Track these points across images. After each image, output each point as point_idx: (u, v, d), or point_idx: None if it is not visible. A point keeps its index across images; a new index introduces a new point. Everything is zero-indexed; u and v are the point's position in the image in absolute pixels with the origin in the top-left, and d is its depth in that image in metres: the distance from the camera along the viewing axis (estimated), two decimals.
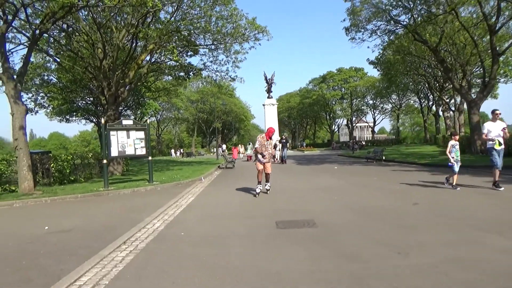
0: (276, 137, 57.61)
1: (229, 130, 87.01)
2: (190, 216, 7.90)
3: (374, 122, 70.74)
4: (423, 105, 54.13)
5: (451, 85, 39.51)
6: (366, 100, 68.09)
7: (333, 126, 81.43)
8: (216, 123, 51.04)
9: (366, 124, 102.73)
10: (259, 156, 10.26)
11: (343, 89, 70.73)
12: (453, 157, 10.44)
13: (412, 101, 62.72)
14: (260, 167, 10.35)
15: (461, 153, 24.61)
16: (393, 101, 63.52)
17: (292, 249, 5.13)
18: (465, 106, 34.67)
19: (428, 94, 49.36)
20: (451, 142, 10.56)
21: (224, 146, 48.09)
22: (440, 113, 46.64)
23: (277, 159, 28.16)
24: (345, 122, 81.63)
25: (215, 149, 62.75)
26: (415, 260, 4.47)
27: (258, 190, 10.29)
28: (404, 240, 5.34)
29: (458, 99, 37.10)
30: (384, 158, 24.39)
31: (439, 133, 47.22)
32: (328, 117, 79.53)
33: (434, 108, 50.38)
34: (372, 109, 69.05)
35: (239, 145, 38.43)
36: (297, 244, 5.36)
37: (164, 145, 78.81)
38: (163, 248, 5.51)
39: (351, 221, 6.63)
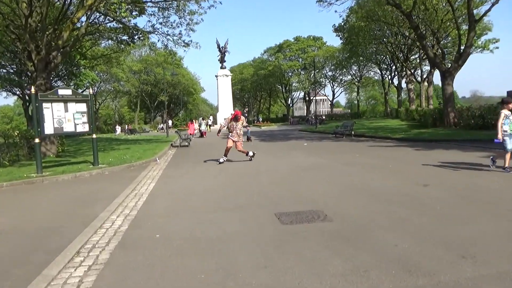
0: (229, 112, 56.65)
1: (175, 104, 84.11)
2: (159, 208, 6.60)
3: (333, 95, 71.34)
4: (384, 77, 54.93)
5: (421, 55, 40.32)
6: (325, 72, 68.05)
7: (289, 100, 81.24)
8: (162, 96, 48.50)
9: (324, 97, 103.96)
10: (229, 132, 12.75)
11: (300, 60, 70.18)
12: (505, 131, 8.45)
13: (372, 73, 63.62)
14: (230, 143, 12.68)
15: (433, 126, 25.56)
16: (353, 72, 64.04)
17: (319, 255, 4.07)
18: (435, 76, 35.38)
19: (391, 65, 49.97)
20: (505, 112, 8.52)
21: (170, 122, 46.04)
22: (404, 85, 47.57)
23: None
24: (301, 95, 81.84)
25: (161, 125, 60.25)
26: (491, 268, 3.58)
27: (222, 160, 12.63)
28: (455, 235, 4.47)
29: (426, 69, 37.96)
30: (353, 133, 24.06)
31: (400, 106, 48.16)
32: (284, 90, 79.06)
33: (396, 80, 51.34)
34: (331, 81, 69.35)
35: (197, 119, 36.74)
36: (321, 247, 4.31)
37: (101, 121, 74.57)
38: (136, 260, 4.22)
39: (371, 211, 5.69)
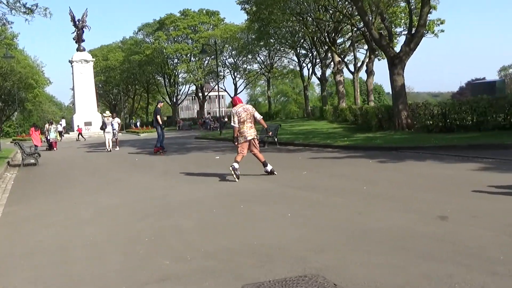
0: (90, 112, 52.67)
1: (6, 103, 77.19)
2: None
3: (236, 89, 71.41)
4: (303, 66, 56.33)
5: (353, 37, 41.63)
6: (223, 58, 67.77)
7: (175, 97, 79.64)
8: None
9: (222, 93, 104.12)
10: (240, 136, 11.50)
11: (190, 41, 69.17)
12: None
13: (286, 61, 65.04)
14: (245, 150, 11.59)
15: (382, 129, 26.07)
16: (262, 59, 64.80)
17: None
18: (374, 65, 36.71)
19: (312, 50, 51.18)
20: None
21: None
22: (328, 76, 49.05)
23: (110, 148, 24.90)
24: (189, 90, 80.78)
25: None
26: None
27: (236, 167, 11.30)
28: None
29: (362, 56, 39.33)
30: (277, 140, 23.47)
31: (326, 104, 49.58)
32: (168, 82, 77.26)
33: (318, 70, 52.79)
34: (232, 71, 69.32)
35: (48, 124, 33.28)
36: None
37: None
38: None
39: (406, 272, 4.53)
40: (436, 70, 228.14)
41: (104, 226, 7.40)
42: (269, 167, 11.84)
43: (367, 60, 39.30)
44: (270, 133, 14.81)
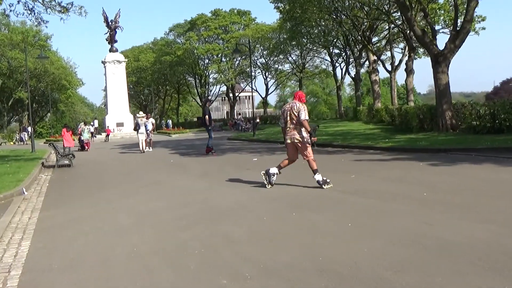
0: (123, 112, 52.60)
1: (40, 104, 78.24)
2: None
3: (267, 90, 70.80)
4: (336, 65, 55.36)
5: (390, 34, 40.51)
6: (255, 58, 67.20)
7: (206, 98, 79.43)
8: (20, 92, 43.99)
9: (250, 94, 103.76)
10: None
11: (221, 42, 68.84)
12: None
13: (318, 61, 64.15)
14: (288, 153, 10.53)
15: (423, 130, 25.05)
16: (294, 59, 63.97)
17: None
18: (413, 64, 35.53)
19: (346, 49, 50.24)
20: None
21: (30, 129, 41.60)
22: (362, 76, 47.99)
23: (144, 149, 24.57)
24: (222, 90, 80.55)
25: (21, 134, 55.11)
26: None
27: (272, 172, 10.44)
28: None
29: (397, 55, 38.19)
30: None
31: (360, 104, 48.54)
32: (199, 83, 77.11)
33: (352, 69, 51.81)
34: (264, 71, 68.71)
35: (82, 124, 33.25)
36: None
37: None
38: None
39: None
40: (468, 69, 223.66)
41: (147, 234, 6.83)
42: (318, 177, 10.24)
43: (405, 58, 38.14)
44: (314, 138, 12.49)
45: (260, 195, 9.54)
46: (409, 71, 35.08)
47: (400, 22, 32.86)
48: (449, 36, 23.08)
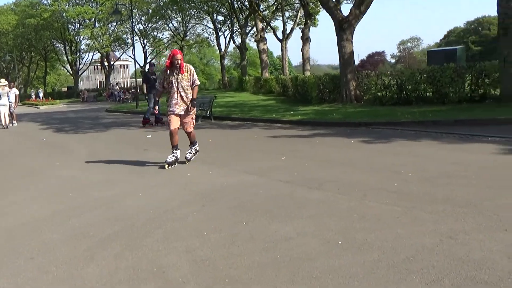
0: None
1: None
2: None
3: (145, 58, 66.49)
4: (219, 34, 52.94)
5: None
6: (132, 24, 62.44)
7: (78, 66, 73.30)
8: None
9: (127, 62, 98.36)
10: (168, 103, 8.96)
11: (94, 5, 63.05)
12: None
13: (200, 28, 61.28)
14: (175, 123, 8.85)
15: (324, 101, 23.63)
16: (175, 26, 60.37)
17: None
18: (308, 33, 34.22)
19: (232, 17, 47.80)
20: None
21: None
22: (251, 44, 46.20)
23: (7, 124, 20.61)
24: (95, 59, 74.96)
25: None
26: None
27: (171, 159, 8.93)
28: None
29: (291, 24, 36.68)
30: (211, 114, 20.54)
31: (245, 74, 46.79)
32: (69, 50, 70.65)
33: (238, 38, 49.68)
34: (142, 38, 64.27)
35: None
36: None
37: None
38: None
39: None
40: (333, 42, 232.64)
41: (31, 271, 4.15)
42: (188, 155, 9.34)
43: (297, 27, 36.80)
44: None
45: (186, 191, 7.07)
46: (306, 39, 33.70)
47: None
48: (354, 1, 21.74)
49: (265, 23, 40.39)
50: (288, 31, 39.51)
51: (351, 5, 22.03)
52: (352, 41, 20.91)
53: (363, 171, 7.83)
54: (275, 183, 7.24)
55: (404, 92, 18.88)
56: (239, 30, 47.49)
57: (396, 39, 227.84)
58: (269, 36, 41.30)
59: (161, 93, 9.48)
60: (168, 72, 8.75)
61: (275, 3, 42.71)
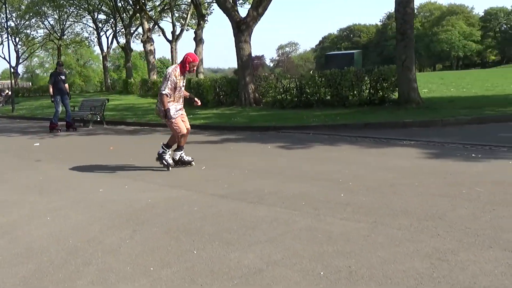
0: None
1: None
2: None
3: (18, 59, 61.56)
4: (101, 34, 50.26)
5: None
6: (1, 21, 57.38)
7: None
8: None
9: None
10: (172, 108, 8.20)
11: None
12: None
13: (79, 27, 57.90)
14: (183, 126, 8.49)
15: (222, 104, 22.86)
16: (52, 24, 56.33)
17: None
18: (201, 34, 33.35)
19: (115, 15, 45.41)
20: None
21: None
22: (136, 45, 44.32)
23: None
24: None
25: None
26: None
27: (185, 157, 8.81)
28: None
29: (180, 26, 35.38)
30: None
31: (131, 76, 44.86)
32: None
33: (122, 38, 47.51)
34: (13, 36, 59.26)
35: None
36: None
37: None
38: None
39: None
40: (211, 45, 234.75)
41: None
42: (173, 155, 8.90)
43: (187, 27, 35.80)
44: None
45: (104, 212, 6.00)
46: (199, 41, 32.69)
47: None
48: (252, 2, 21.40)
49: (152, 23, 38.92)
50: (178, 32, 38.38)
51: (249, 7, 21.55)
52: (250, 43, 20.55)
53: (299, 180, 7.27)
54: (209, 199, 6.44)
55: (304, 95, 18.84)
56: (123, 30, 45.44)
57: (275, 43, 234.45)
58: (156, 37, 39.72)
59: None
60: (180, 76, 8.26)
61: (163, 2, 41.30)
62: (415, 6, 15.55)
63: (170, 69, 8.32)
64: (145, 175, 8.36)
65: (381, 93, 17.22)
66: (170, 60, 39.27)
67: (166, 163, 8.56)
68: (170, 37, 37.87)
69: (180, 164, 8.73)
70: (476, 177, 6.89)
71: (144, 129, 16.50)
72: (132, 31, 44.67)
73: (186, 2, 41.60)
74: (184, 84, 8.41)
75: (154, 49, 39.20)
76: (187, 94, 8.81)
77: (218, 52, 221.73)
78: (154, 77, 38.46)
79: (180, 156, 8.76)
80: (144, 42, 38.48)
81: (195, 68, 8.34)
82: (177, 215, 5.69)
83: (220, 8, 20.52)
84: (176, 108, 8.29)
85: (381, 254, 4.14)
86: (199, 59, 8.15)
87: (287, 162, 9.00)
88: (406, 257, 4.04)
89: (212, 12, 39.72)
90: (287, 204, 5.92)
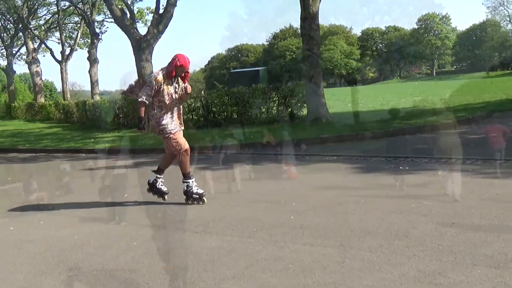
0: None
1: None
2: None
3: None
4: None
5: (59, 17, 35.12)
6: None
7: None
8: None
9: None
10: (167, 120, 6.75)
11: None
12: None
13: None
14: (185, 141, 6.98)
15: (126, 126, 21.45)
16: None
17: None
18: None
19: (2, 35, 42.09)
20: None
21: None
22: (18, 67, 41.42)
23: None
24: None
25: None
26: None
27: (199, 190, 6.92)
28: None
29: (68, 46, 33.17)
30: None
31: (14, 100, 41.80)
32: None
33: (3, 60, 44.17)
34: None
35: None
36: None
37: None
38: None
39: None
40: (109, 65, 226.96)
41: None
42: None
43: (75, 48, 33.94)
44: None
45: (26, 255, 5.19)
46: (93, 60, 31.09)
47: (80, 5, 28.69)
48: (151, 20, 20.77)
49: (38, 42, 36.63)
50: (67, 52, 36.39)
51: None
52: (151, 62, 19.88)
53: (239, 204, 6.86)
54: (145, 231, 5.83)
55: (211, 115, 18.43)
56: (4, 50, 42.30)
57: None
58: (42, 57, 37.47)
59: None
60: (167, 81, 6.61)
61: (48, 21, 38.97)
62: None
63: (153, 73, 7.23)
64: (59, 206, 7.49)
65: (289, 109, 17.25)
66: (61, 82, 36.96)
67: (164, 192, 7.14)
68: (59, 58, 35.81)
69: (191, 199, 6.96)
70: (417, 190, 6.91)
71: (42, 156, 15.22)
72: (14, 52, 41.64)
73: (73, 21, 39.63)
74: (180, 92, 6.79)
75: (41, 70, 36.87)
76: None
77: (117, 72, 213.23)
78: (42, 100, 36.16)
79: (195, 186, 7.01)
80: (29, 63, 36.07)
81: (186, 74, 6.80)
82: (115, 253, 5.03)
83: (118, 25, 19.71)
84: (167, 122, 6.76)
85: (368, 283, 3.84)
86: (188, 64, 6.46)
87: (218, 185, 8.54)
88: (396, 284, 3.79)
89: (106, 31, 38.15)
90: (237, 231, 5.48)
